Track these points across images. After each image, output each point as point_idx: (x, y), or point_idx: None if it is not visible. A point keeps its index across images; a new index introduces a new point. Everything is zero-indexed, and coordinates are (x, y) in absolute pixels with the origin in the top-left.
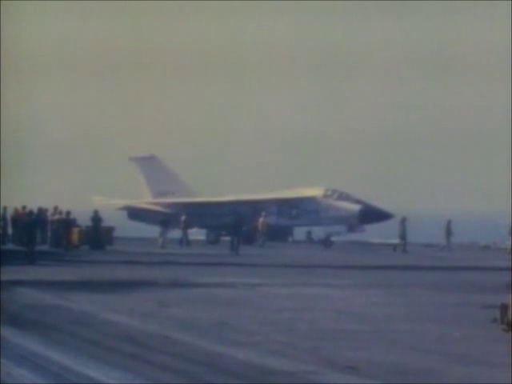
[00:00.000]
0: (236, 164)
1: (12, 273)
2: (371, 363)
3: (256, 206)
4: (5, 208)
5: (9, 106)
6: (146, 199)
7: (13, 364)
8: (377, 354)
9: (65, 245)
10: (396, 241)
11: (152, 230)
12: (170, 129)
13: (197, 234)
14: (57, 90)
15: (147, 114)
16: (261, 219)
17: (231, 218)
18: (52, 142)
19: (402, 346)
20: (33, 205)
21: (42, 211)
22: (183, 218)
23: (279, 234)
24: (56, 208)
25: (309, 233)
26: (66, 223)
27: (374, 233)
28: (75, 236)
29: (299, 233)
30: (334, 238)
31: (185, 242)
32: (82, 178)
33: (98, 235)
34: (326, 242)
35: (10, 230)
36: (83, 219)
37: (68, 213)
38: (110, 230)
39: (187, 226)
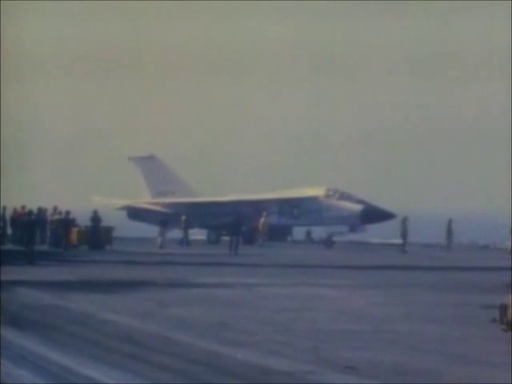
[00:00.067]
0: (236, 164)
1: (11, 273)
2: (371, 363)
3: (257, 206)
4: (4, 208)
5: (9, 106)
6: (145, 199)
7: (12, 364)
8: (376, 354)
9: (64, 245)
10: (396, 241)
11: (152, 230)
12: (170, 129)
13: (197, 233)
14: (57, 89)
15: (147, 114)
16: (262, 219)
17: (231, 217)
18: (52, 141)
19: (401, 346)
20: (32, 205)
21: (41, 211)
22: (184, 217)
23: (278, 233)
24: (55, 208)
25: (308, 233)
26: (66, 223)
27: (373, 233)
28: (74, 236)
29: (298, 233)
30: (335, 238)
31: (185, 242)
32: (81, 177)
33: (97, 235)
34: (328, 242)
35: (9, 230)
36: (83, 219)
37: (67, 213)
38: (110, 229)
39: (188, 226)
